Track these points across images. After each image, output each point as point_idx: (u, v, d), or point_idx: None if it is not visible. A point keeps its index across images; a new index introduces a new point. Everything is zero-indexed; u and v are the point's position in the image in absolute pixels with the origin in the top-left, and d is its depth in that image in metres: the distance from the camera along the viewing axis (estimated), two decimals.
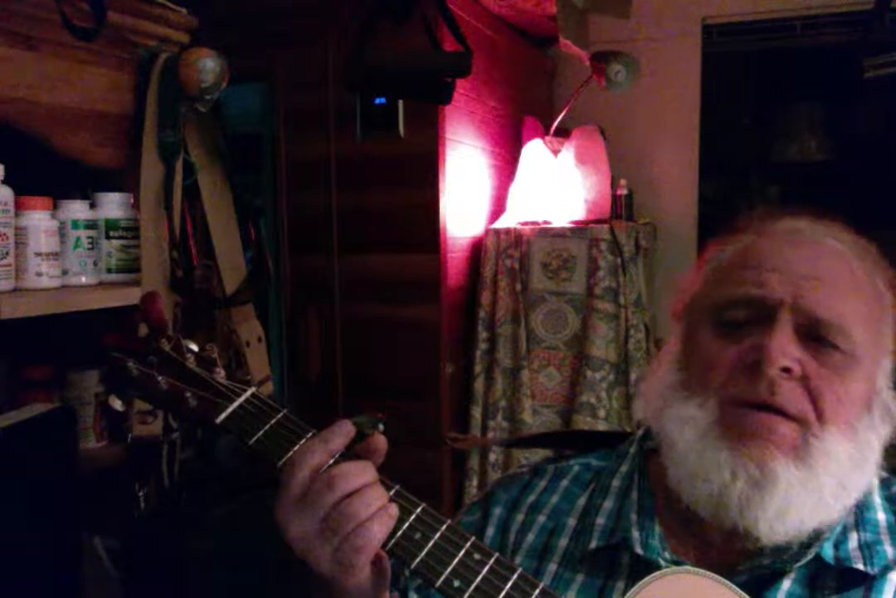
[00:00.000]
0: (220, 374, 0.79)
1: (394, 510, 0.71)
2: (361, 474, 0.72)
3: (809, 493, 0.76)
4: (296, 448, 0.74)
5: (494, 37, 2.45)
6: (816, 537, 0.78)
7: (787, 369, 0.76)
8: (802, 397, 0.77)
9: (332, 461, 0.73)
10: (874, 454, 0.80)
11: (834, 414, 0.77)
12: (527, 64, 2.76)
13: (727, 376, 0.79)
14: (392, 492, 0.73)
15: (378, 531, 0.70)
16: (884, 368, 0.82)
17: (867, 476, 0.80)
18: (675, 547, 0.81)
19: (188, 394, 0.77)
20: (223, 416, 0.76)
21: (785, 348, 0.76)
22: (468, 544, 0.71)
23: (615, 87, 2.34)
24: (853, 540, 0.79)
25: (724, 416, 0.78)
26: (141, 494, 1.54)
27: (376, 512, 0.70)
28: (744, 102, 3.99)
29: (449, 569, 0.70)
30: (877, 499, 0.83)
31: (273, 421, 0.76)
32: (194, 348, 0.80)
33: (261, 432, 0.75)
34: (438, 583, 0.70)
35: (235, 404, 0.76)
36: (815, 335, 0.78)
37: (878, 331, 0.82)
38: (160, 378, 0.78)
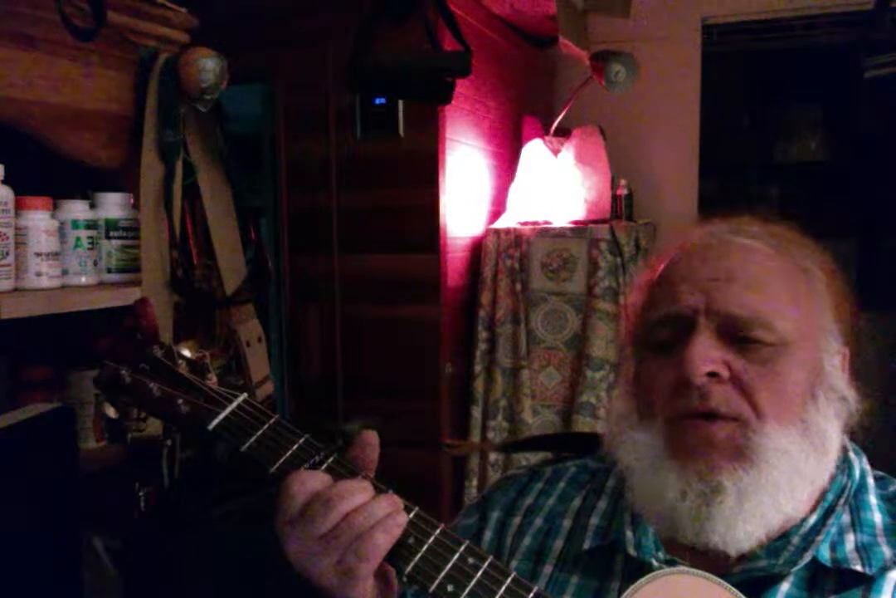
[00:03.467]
0: (213, 380, 0.79)
1: (402, 518, 0.70)
2: (359, 492, 0.71)
3: (763, 491, 0.76)
4: (287, 455, 0.74)
5: (494, 37, 2.45)
6: (811, 539, 0.78)
7: (713, 373, 0.77)
8: (736, 396, 0.77)
9: (325, 469, 0.73)
10: (830, 439, 0.79)
11: (772, 408, 0.77)
12: (527, 64, 2.76)
13: (667, 396, 0.80)
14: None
15: (382, 540, 0.69)
16: (828, 347, 0.82)
17: (829, 462, 0.80)
18: (669, 548, 0.81)
19: (180, 401, 0.77)
20: (215, 422, 0.76)
21: (705, 354, 0.77)
22: (462, 548, 0.71)
23: (615, 88, 2.34)
24: (850, 542, 0.78)
25: (670, 434, 0.79)
26: (141, 494, 1.54)
27: (380, 521, 0.69)
28: (744, 102, 3.99)
29: (443, 574, 0.69)
30: (872, 499, 0.82)
31: (265, 427, 0.75)
32: (187, 354, 0.80)
33: (253, 439, 0.75)
34: (433, 588, 0.69)
35: (227, 411, 0.76)
36: (736, 334, 0.78)
37: (811, 311, 0.81)
38: (152, 385, 0.78)
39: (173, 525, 1.51)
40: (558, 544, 0.86)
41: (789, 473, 0.77)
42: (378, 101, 2.11)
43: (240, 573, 1.46)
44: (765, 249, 0.83)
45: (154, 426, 1.49)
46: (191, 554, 1.48)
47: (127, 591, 1.54)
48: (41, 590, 1.25)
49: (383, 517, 0.70)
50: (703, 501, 0.76)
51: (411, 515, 0.72)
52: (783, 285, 0.81)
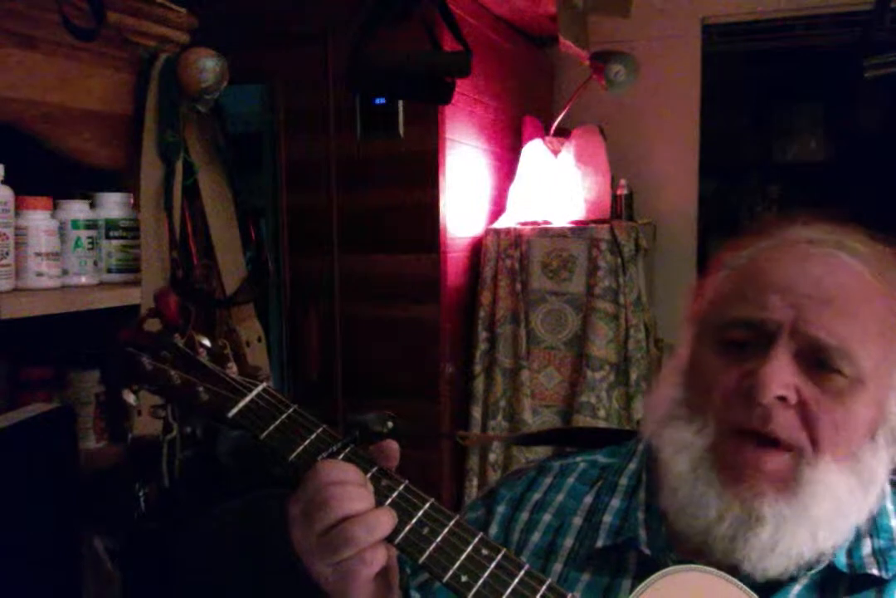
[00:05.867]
0: (233, 369, 0.80)
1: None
2: (360, 499, 0.71)
3: (801, 527, 0.74)
4: (305, 444, 0.75)
5: (494, 37, 2.45)
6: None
7: (781, 397, 0.74)
8: (798, 425, 0.75)
9: (342, 459, 0.73)
10: (877, 479, 0.78)
11: (830, 443, 0.75)
12: (527, 64, 2.76)
13: (725, 402, 0.77)
14: (401, 487, 0.73)
15: (381, 556, 0.69)
16: None
17: (869, 502, 0.78)
18: (681, 549, 0.80)
19: (200, 388, 0.78)
20: (235, 410, 0.76)
21: (779, 376, 0.74)
22: (476, 539, 0.71)
23: (615, 87, 2.34)
24: (866, 547, 0.78)
25: (719, 445, 0.77)
26: (141, 494, 1.54)
27: (379, 541, 0.69)
28: (744, 102, 3.99)
29: (457, 564, 0.70)
30: (890, 505, 0.81)
31: (284, 416, 0.76)
32: (207, 343, 0.81)
33: (272, 427, 0.75)
34: (446, 578, 0.70)
35: (247, 399, 0.77)
36: (816, 360, 0.75)
37: (893, 349, 0.78)
38: (173, 373, 0.79)
39: (173, 525, 1.51)
40: (568, 542, 0.86)
41: (832, 509, 0.75)
42: (378, 101, 2.11)
43: (239, 573, 1.46)
44: (866, 273, 0.78)
45: (154, 426, 1.49)
46: (190, 554, 1.47)
47: (127, 591, 1.54)
48: (41, 590, 1.25)
49: (382, 535, 0.69)
50: (741, 528, 0.75)
51: (426, 506, 0.72)
52: (875, 317, 0.77)
